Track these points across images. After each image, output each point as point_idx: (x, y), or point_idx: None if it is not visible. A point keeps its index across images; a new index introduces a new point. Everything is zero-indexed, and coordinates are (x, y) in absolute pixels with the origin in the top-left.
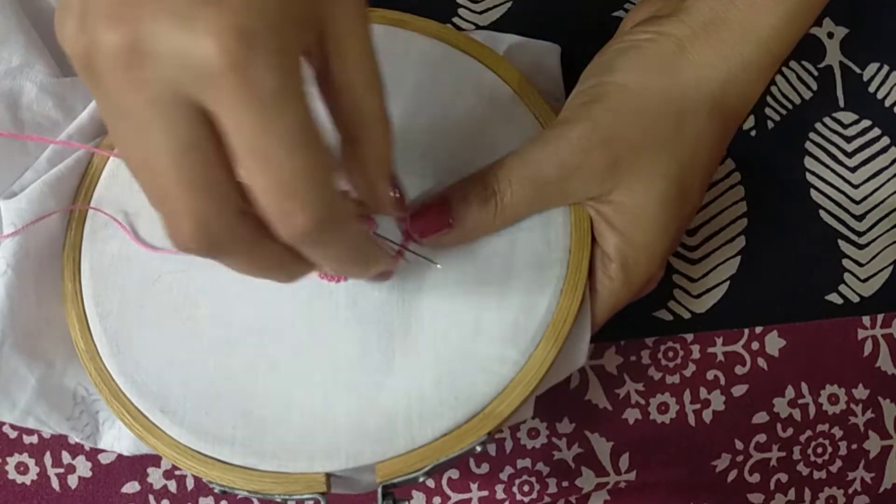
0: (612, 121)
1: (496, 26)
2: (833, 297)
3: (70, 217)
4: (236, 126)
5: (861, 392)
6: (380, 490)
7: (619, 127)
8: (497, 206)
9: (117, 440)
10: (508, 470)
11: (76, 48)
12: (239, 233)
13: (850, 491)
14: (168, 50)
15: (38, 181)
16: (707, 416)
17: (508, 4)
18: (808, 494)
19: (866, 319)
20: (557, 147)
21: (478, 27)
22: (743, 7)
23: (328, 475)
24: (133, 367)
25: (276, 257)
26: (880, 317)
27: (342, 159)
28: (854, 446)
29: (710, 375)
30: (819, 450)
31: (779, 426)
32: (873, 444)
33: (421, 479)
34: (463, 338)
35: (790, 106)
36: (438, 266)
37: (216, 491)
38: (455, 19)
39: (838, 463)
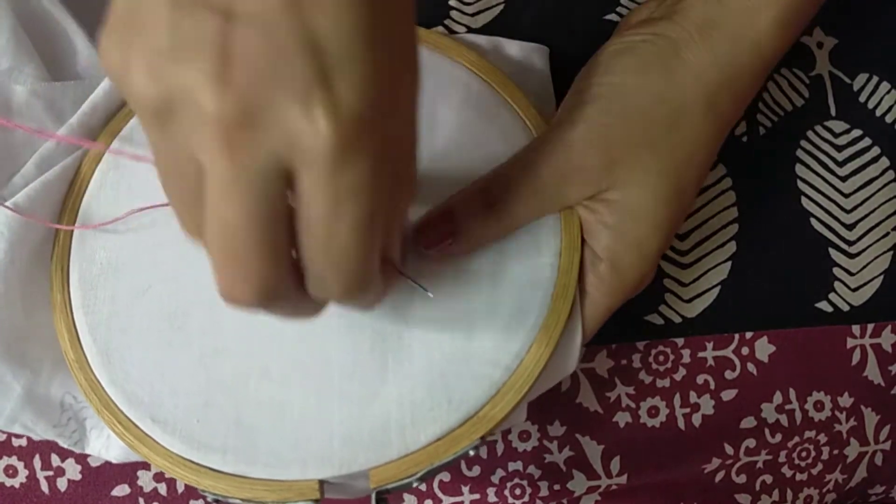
0: (607, 121)
1: (488, 29)
2: (823, 305)
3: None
4: (317, 204)
5: (846, 400)
6: (373, 496)
7: (615, 127)
8: (500, 214)
9: (105, 448)
10: (500, 473)
11: (157, 91)
12: (289, 291)
13: (824, 490)
14: (279, 123)
15: (26, 188)
16: (697, 420)
17: (501, 7)
18: (789, 495)
19: (856, 328)
20: (554, 151)
21: (470, 30)
22: (735, 10)
23: (321, 482)
24: (123, 376)
25: (311, 307)
26: (870, 326)
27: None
28: (836, 451)
29: (700, 380)
30: (803, 454)
31: (767, 431)
32: (852, 451)
33: (415, 485)
34: (455, 343)
35: (782, 113)
36: (431, 295)
37: (209, 499)
38: (447, 21)
39: (819, 466)
